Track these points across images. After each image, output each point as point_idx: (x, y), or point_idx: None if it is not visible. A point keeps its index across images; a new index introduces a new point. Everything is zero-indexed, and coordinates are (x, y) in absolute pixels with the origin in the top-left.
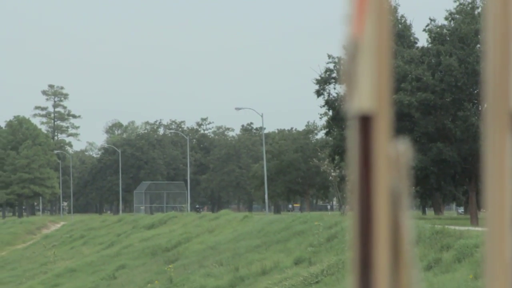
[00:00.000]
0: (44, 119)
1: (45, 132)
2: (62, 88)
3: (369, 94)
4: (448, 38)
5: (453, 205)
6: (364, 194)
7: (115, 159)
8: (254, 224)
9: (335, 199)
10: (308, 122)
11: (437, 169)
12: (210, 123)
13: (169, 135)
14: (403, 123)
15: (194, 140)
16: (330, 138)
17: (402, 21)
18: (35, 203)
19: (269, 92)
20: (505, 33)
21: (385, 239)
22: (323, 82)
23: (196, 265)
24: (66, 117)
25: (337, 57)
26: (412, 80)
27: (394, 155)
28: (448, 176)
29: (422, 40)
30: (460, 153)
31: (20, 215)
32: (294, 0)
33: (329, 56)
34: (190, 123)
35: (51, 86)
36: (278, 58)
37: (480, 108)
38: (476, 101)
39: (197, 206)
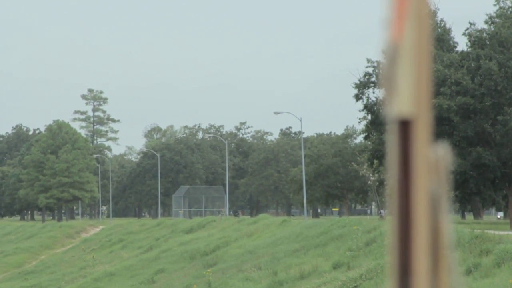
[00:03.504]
0: (84, 123)
1: (85, 136)
2: (101, 92)
3: (409, 98)
4: (488, 42)
5: (493, 210)
6: (404, 199)
7: (154, 163)
8: (293, 228)
9: (374, 203)
10: (347, 126)
11: (477, 173)
12: (248, 127)
13: (208, 139)
14: (443, 127)
15: (233, 144)
16: (369, 142)
17: (442, 25)
18: (74, 207)
19: (308, 97)
20: None
21: (424, 243)
22: (362, 86)
23: (234, 269)
24: (105, 121)
25: (376, 61)
26: (452, 84)
27: (434, 159)
28: (488, 180)
29: (462, 44)
30: (499, 157)
31: (60, 219)
32: (333, 5)
33: (368, 61)
34: (228, 127)
35: (90, 90)
36: (317, 62)
37: None
38: None
39: (236, 211)
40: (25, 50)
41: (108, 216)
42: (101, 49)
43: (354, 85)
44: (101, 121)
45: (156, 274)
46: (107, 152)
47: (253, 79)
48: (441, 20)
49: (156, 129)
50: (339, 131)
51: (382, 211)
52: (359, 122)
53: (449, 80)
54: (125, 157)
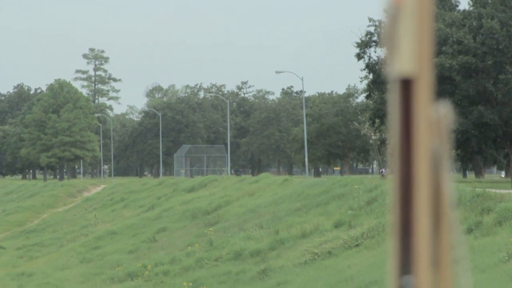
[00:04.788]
0: (85, 83)
1: (86, 95)
2: (102, 51)
3: (410, 57)
4: (489, 1)
5: (494, 169)
6: (405, 157)
7: (155, 122)
8: (294, 187)
9: (375, 162)
10: (348, 86)
11: (478, 132)
12: (250, 86)
13: (210, 98)
14: (444, 86)
15: (234, 103)
16: (371, 102)
17: None
18: (76, 166)
19: (309, 55)
20: None
21: (425, 202)
22: (364, 45)
23: (236, 228)
24: (106, 80)
25: (378, 20)
26: (453, 43)
27: (435, 118)
28: (489, 139)
29: (464, 2)
30: (501, 116)
31: (61, 178)
32: None
33: (370, 20)
34: (230, 86)
35: (91, 49)
36: (319, 21)
37: None
38: None
39: (238, 170)
40: (26, 3)
41: (109, 175)
42: (103, 5)
43: (355, 44)
44: (102, 80)
45: (158, 233)
46: (108, 111)
47: (255, 34)
48: None
49: (158, 88)
50: (341, 90)
51: (383, 170)
52: (361, 81)
53: (450, 39)
54: (127, 116)
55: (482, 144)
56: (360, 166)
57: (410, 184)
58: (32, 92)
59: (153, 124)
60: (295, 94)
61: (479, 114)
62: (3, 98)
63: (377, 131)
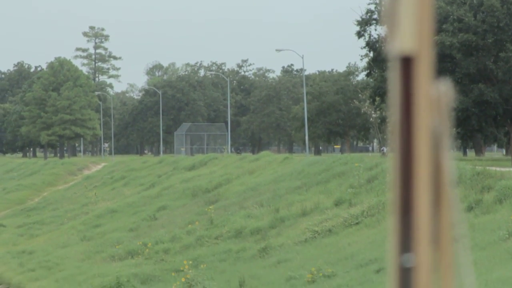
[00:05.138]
0: (85, 61)
1: (86, 73)
2: (103, 29)
3: (411, 35)
4: None
5: (494, 147)
6: (405, 135)
7: (155, 100)
8: (295, 165)
9: (375, 140)
10: (349, 64)
11: (478, 110)
12: (250, 64)
13: (210, 76)
14: (444, 64)
15: (235, 81)
16: (371, 80)
17: None
18: (76, 144)
19: (309, 33)
20: None
21: (426, 180)
22: (364, 23)
23: (236, 206)
24: (107, 58)
25: None
26: (454, 21)
27: (435, 96)
28: (489, 117)
29: None
30: (501, 94)
31: (62, 156)
32: None
33: None
34: (230, 64)
35: (92, 27)
36: None
37: None
38: None
39: (238, 148)
40: None
41: (110, 153)
42: None
43: (356, 22)
44: (102, 59)
45: (158, 211)
46: (108, 89)
47: (255, 10)
48: None
49: (158, 67)
50: (341, 68)
51: (384, 148)
52: (361, 59)
53: (451, 17)
54: (127, 95)
55: (482, 122)
56: (361, 144)
57: (411, 162)
58: (32, 70)
59: (153, 102)
60: (295, 72)
61: (479, 92)
62: (3, 76)
63: (378, 109)
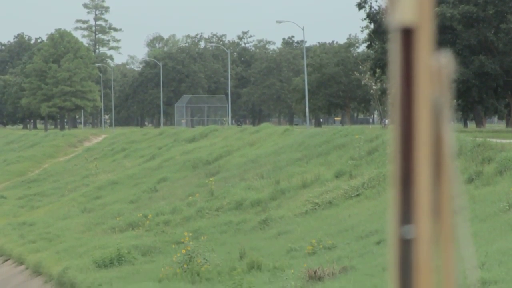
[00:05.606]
0: (85, 32)
1: (87, 45)
2: (103, 1)
3: (411, 7)
4: None
5: (495, 118)
6: (406, 107)
7: (156, 72)
8: (295, 137)
9: (376, 112)
10: (349, 35)
11: (479, 82)
12: (251, 36)
13: (210, 48)
14: (445, 36)
15: (235, 53)
16: (372, 51)
17: None
18: (77, 116)
19: (310, 4)
20: None
21: (426, 152)
22: None
23: (237, 178)
24: (107, 30)
25: None
26: None
27: (436, 68)
28: (490, 89)
29: None
30: (502, 66)
31: (62, 128)
32: None
33: None
34: (231, 36)
35: None
36: None
37: None
38: None
39: (239, 120)
40: None
41: (110, 125)
42: None
43: None
44: (103, 30)
45: (159, 183)
46: (109, 61)
47: None
48: None
49: (158, 38)
50: (342, 40)
51: (384, 120)
52: (362, 31)
53: None
54: (127, 66)
55: (483, 93)
56: (361, 116)
57: (411, 134)
58: (32, 41)
59: (153, 74)
60: (296, 44)
61: (480, 63)
62: (3, 47)
63: (378, 81)
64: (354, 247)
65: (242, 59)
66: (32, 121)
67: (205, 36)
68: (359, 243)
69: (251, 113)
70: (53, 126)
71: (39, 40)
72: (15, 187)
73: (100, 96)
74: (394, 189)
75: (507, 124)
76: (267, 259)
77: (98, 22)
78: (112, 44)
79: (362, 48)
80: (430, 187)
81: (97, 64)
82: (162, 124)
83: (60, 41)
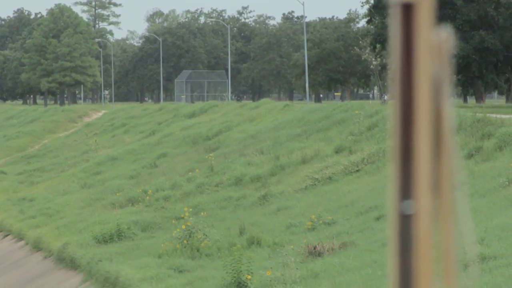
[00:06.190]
0: (85, 7)
1: (86, 20)
2: None
3: None
4: None
5: (495, 94)
6: (406, 82)
7: (156, 47)
8: (295, 113)
9: (376, 87)
10: (349, 10)
11: (479, 57)
12: (251, 11)
13: (210, 23)
14: (445, 10)
15: (235, 28)
16: (372, 27)
17: None
18: (76, 92)
19: None
20: None
21: (426, 127)
22: None
23: (236, 154)
24: (107, 5)
25: None
26: None
27: (436, 43)
28: (490, 64)
29: None
30: (502, 41)
31: (62, 104)
32: None
33: None
34: (231, 11)
35: None
36: None
37: None
38: None
39: (239, 96)
40: None
41: (110, 101)
42: None
43: None
44: (102, 5)
45: (159, 159)
46: (109, 36)
47: None
48: None
49: (158, 14)
50: (342, 15)
51: (384, 95)
52: (362, 6)
53: None
54: (127, 42)
55: (483, 69)
56: (361, 91)
57: (411, 109)
58: (32, 16)
59: (153, 50)
60: (296, 19)
61: (480, 38)
62: (3, 22)
63: (378, 56)
64: (354, 222)
65: (242, 34)
66: (32, 96)
67: (205, 11)
68: (359, 218)
69: (251, 88)
70: (52, 102)
71: (38, 15)
72: (15, 162)
73: (100, 72)
74: (394, 164)
75: (507, 100)
76: (266, 234)
77: None
78: (112, 19)
79: (362, 23)
80: (429, 163)
81: (97, 40)
82: (162, 100)
83: (60, 16)
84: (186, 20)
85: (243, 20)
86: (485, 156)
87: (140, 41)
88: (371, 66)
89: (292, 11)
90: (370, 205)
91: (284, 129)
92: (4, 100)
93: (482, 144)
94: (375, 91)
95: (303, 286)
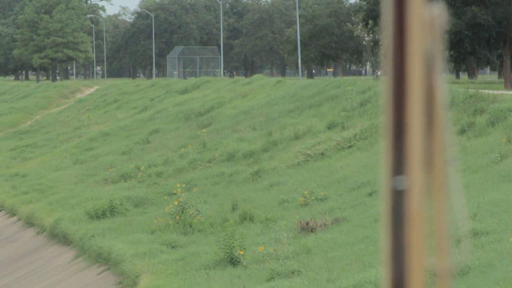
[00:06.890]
0: None
1: None
2: None
3: None
4: None
5: (487, 70)
6: (398, 58)
7: (148, 23)
8: (287, 89)
9: (368, 63)
10: None
11: (471, 33)
12: None
13: None
14: None
15: (227, 4)
16: (364, 2)
17: None
18: (69, 68)
19: None
20: None
21: (418, 103)
22: None
23: (229, 130)
24: None
25: None
26: None
27: (428, 19)
28: (483, 40)
29: None
30: (494, 17)
31: (54, 79)
32: None
33: None
34: None
35: None
36: None
37: None
38: None
39: (231, 72)
40: None
41: (102, 77)
42: None
43: None
44: None
45: (151, 134)
46: (101, 12)
47: None
48: None
49: None
50: None
51: (377, 71)
52: None
53: None
54: (119, 18)
55: (475, 45)
56: (353, 67)
57: (403, 85)
58: None
59: (145, 25)
60: None
61: (472, 14)
62: None
63: (371, 32)
64: (346, 198)
65: (234, 10)
66: (24, 72)
67: None
68: (351, 194)
69: (244, 64)
70: (45, 77)
71: None
72: (7, 138)
73: (92, 48)
74: (387, 140)
75: (499, 75)
76: (259, 210)
77: None
78: None
79: None
80: (422, 138)
81: (89, 15)
82: (154, 76)
83: None
84: None
85: None
86: (477, 132)
87: (132, 17)
88: (364, 42)
89: None
90: (363, 181)
91: (277, 105)
92: None
93: (474, 120)
94: (368, 67)
95: (296, 262)
